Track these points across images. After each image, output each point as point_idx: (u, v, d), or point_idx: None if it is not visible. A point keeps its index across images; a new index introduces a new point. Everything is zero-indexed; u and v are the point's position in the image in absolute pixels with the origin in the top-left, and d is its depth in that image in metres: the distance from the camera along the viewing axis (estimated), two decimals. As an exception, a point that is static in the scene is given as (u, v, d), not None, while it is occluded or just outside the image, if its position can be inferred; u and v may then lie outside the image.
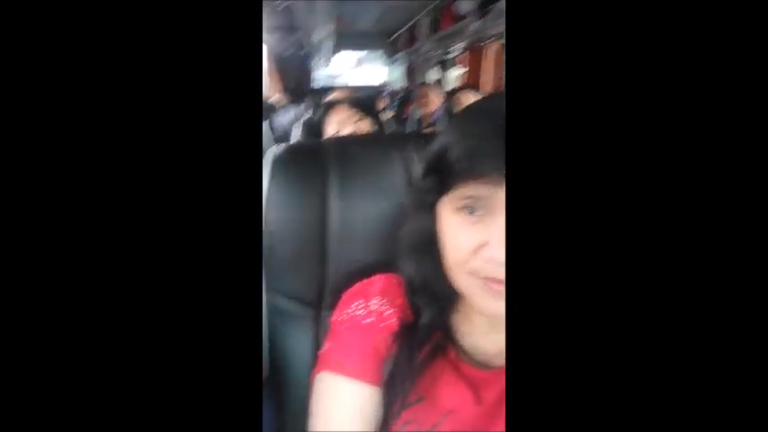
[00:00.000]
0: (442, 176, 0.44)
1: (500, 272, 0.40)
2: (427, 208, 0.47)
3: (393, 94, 5.06)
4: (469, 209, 0.42)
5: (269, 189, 0.59)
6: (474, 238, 0.42)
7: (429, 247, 0.47)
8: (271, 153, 0.62)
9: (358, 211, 0.60)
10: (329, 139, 0.65)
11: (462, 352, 0.49)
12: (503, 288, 0.41)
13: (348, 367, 0.47)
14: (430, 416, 0.47)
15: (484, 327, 0.50)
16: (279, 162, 0.61)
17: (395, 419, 0.46)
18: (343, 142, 0.65)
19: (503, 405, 0.44)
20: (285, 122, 2.41)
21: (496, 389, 0.47)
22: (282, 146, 0.63)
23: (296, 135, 1.58)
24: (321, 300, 0.61)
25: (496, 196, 0.40)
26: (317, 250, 0.60)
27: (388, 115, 4.18)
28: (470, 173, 0.41)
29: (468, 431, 0.46)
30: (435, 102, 2.95)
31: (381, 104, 4.55)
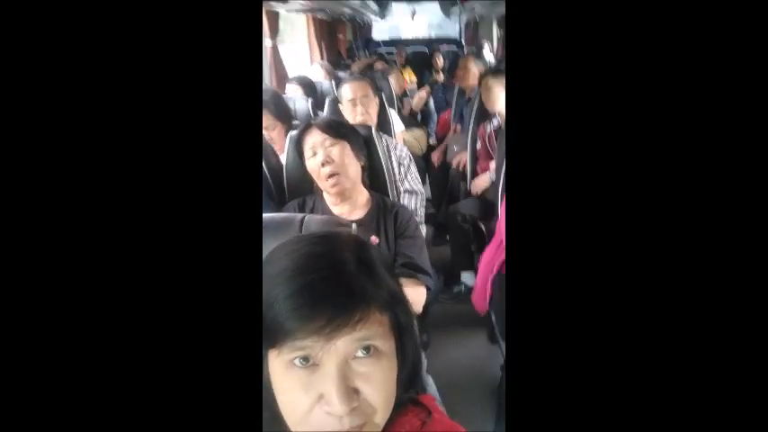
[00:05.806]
0: (268, 330, 0.39)
1: (337, 425, 0.38)
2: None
3: (448, 54, 4.69)
4: (301, 360, 0.39)
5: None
6: (310, 393, 0.39)
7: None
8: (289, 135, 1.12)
9: None
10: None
11: None
12: None
13: None
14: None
15: None
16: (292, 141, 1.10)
17: None
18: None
19: None
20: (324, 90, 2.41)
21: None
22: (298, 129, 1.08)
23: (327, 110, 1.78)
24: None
25: (327, 346, 0.37)
26: None
27: (439, 77, 3.95)
28: (299, 329, 0.37)
29: None
30: (474, 75, 2.43)
31: (438, 62, 4.30)
